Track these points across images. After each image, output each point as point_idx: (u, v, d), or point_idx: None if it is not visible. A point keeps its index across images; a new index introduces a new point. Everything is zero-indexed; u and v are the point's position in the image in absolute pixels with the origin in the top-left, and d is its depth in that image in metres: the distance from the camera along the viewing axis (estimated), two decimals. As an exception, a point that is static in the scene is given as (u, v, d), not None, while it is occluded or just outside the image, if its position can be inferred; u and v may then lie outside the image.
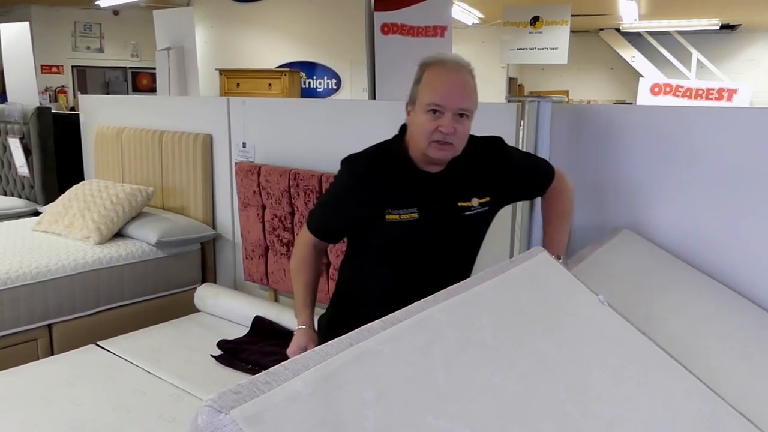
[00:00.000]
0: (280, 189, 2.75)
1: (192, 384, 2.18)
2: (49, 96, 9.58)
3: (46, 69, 9.63)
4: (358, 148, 1.68)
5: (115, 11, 9.15)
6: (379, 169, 1.62)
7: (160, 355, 2.42)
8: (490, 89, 10.60)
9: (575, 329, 1.25)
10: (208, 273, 3.35)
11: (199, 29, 7.69)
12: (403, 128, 1.63)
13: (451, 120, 1.47)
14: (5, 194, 4.59)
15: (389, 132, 2.41)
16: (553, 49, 7.52)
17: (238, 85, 6.47)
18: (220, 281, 3.33)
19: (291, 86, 7.08)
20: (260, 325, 2.62)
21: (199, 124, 3.29)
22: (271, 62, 8.95)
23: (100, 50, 10.00)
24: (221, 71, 6.76)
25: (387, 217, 1.56)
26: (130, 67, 10.55)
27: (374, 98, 2.92)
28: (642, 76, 9.71)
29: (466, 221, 1.61)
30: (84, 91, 9.85)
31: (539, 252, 1.46)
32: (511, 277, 1.26)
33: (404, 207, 1.56)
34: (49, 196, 4.05)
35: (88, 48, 9.91)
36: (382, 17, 3.01)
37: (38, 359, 2.54)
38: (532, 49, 7.62)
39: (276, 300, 3.00)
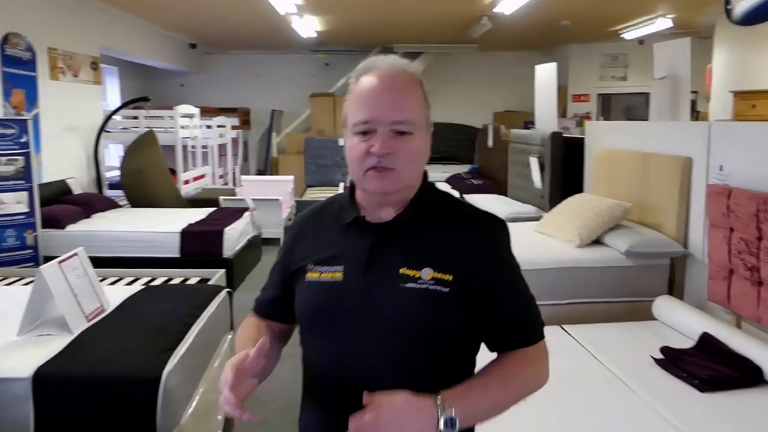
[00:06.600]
0: (748, 212, 2.73)
1: (626, 373, 2.49)
2: (576, 122, 10.82)
3: (576, 98, 10.92)
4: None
5: (641, 41, 9.66)
6: (314, 218, 1.26)
7: (607, 346, 2.79)
8: None
9: None
10: (675, 288, 3.50)
11: (720, 51, 7.47)
12: None
13: (385, 138, 1.09)
14: (523, 202, 5.68)
15: None
16: None
17: (754, 106, 6.06)
18: (686, 298, 3.44)
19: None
20: (708, 341, 2.69)
21: (680, 148, 3.48)
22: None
23: (623, 78, 10.73)
24: (735, 93, 6.45)
25: (307, 275, 1.17)
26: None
27: None
28: None
29: (407, 296, 1.09)
30: (606, 117, 10.75)
31: None
32: None
33: (328, 263, 1.16)
34: (553, 205, 4.86)
35: (613, 77, 10.77)
36: None
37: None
38: None
39: (738, 326, 2.95)
